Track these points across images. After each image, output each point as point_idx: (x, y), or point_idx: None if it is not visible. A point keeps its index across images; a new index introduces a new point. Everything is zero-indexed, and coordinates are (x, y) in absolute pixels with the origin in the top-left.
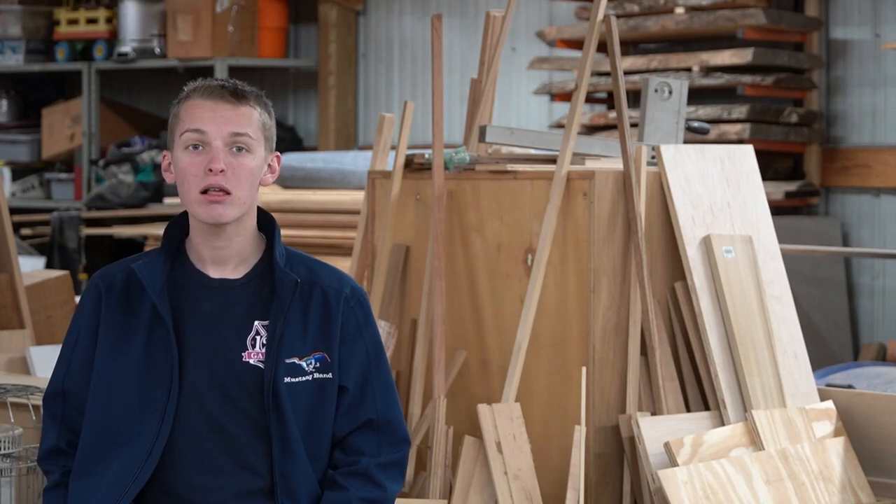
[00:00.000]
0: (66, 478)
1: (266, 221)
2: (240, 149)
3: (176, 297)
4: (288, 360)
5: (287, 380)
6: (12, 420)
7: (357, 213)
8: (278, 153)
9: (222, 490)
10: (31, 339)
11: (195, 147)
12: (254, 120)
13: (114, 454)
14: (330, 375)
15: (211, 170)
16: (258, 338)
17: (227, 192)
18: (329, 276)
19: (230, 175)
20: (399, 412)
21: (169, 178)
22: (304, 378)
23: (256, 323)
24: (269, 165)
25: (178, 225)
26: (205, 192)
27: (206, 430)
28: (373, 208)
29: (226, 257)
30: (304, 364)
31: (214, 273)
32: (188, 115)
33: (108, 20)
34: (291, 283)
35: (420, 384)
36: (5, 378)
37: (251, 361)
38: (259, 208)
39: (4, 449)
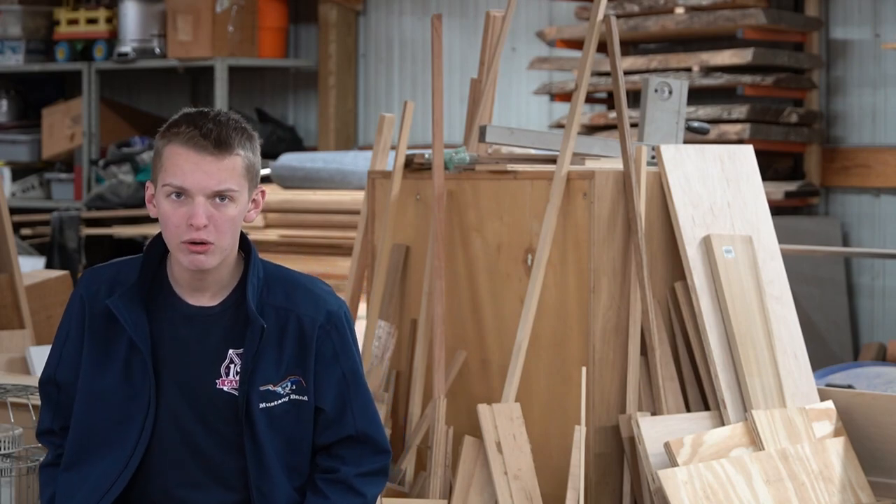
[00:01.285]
0: (59, 459)
1: (245, 243)
2: (223, 198)
3: (154, 321)
4: (262, 388)
5: (262, 405)
6: (12, 420)
7: (357, 213)
8: (263, 188)
9: (200, 503)
10: (31, 339)
11: (178, 196)
12: (237, 170)
13: (98, 456)
14: (306, 398)
15: (192, 224)
16: (232, 366)
17: (210, 243)
18: (306, 302)
19: (212, 228)
20: (379, 428)
21: (152, 211)
22: (280, 401)
23: (231, 351)
24: (254, 201)
25: (160, 244)
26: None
27: (183, 448)
28: (373, 208)
29: (204, 287)
30: (279, 389)
31: (192, 300)
32: (170, 164)
33: (108, 20)
34: (259, 328)
35: (420, 384)
36: (5, 378)
37: (225, 388)
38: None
39: (4, 449)
